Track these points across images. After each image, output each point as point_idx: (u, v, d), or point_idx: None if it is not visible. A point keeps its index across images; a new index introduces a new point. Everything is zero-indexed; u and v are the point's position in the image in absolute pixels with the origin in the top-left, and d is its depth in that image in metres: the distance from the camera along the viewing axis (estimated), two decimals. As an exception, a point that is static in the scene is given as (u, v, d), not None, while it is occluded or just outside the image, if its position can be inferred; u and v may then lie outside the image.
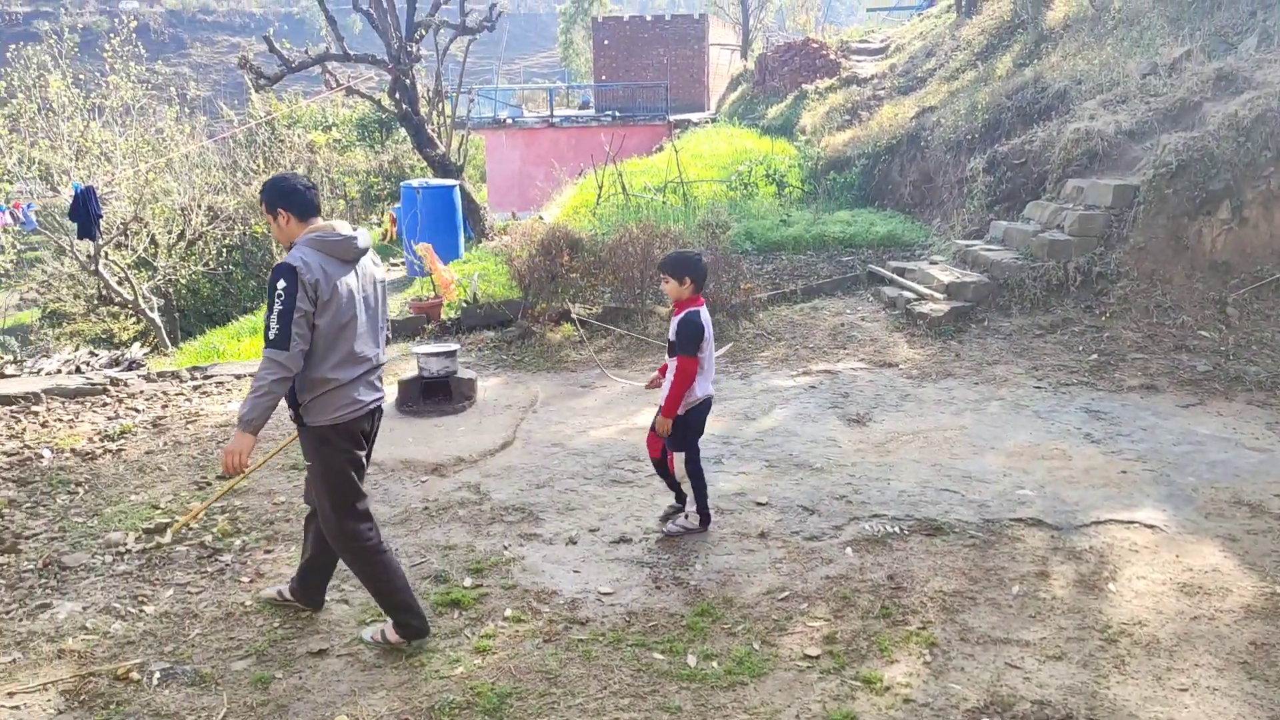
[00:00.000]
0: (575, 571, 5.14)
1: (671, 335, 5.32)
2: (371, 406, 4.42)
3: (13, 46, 20.45)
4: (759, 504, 5.94)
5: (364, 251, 4.39)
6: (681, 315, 5.28)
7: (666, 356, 5.43)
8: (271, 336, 4.03)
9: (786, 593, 4.85)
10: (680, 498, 5.69)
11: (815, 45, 24.74)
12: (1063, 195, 10.72)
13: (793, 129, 21.12)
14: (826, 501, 5.95)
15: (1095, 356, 8.60)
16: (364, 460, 4.47)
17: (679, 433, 5.38)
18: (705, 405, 5.44)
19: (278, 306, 4.03)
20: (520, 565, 5.20)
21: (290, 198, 4.27)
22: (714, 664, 4.23)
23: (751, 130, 22.48)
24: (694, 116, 28.73)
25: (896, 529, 5.52)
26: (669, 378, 5.33)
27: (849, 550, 5.29)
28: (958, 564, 5.10)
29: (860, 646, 4.34)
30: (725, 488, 6.19)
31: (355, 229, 4.42)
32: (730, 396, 8.11)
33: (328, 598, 4.82)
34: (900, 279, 10.89)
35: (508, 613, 4.69)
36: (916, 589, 4.84)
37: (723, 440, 7.07)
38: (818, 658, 4.26)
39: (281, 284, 4.03)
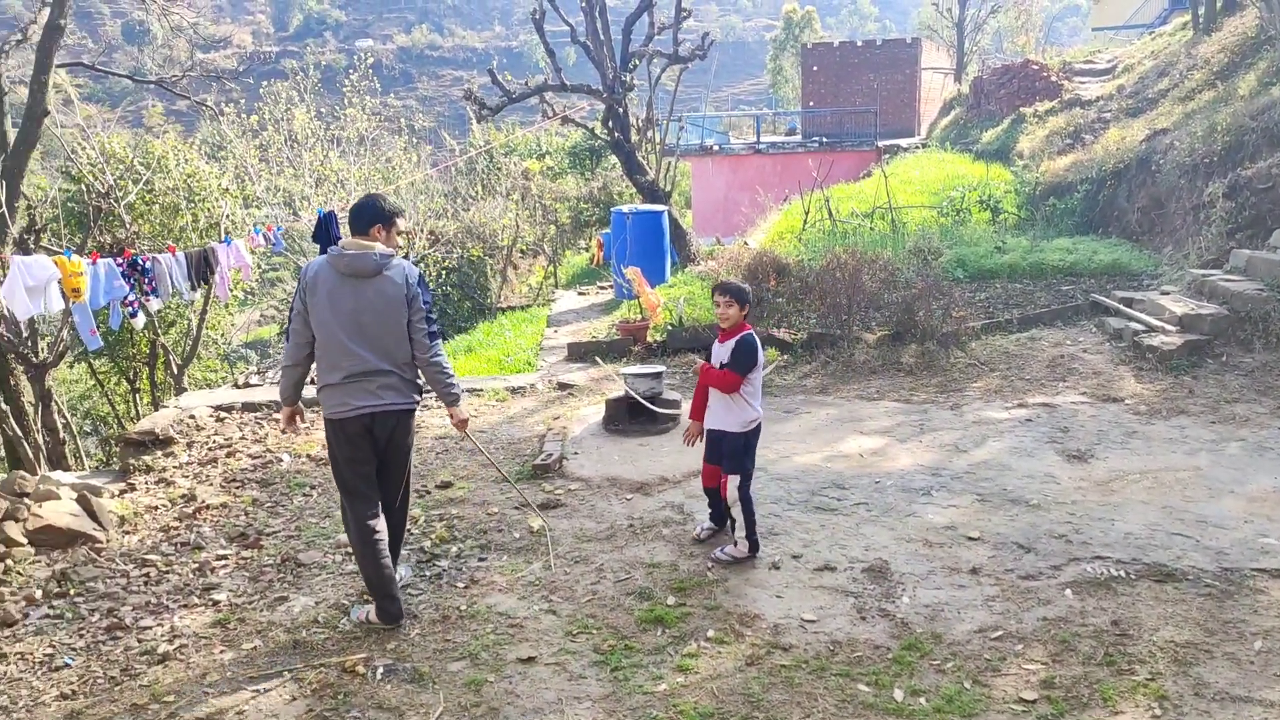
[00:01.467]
0: (778, 597, 5.10)
1: (725, 357, 5.49)
2: (366, 411, 4.71)
3: (264, 84, 22.33)
4: (970, 539, 5.73)
5: (364, 270, 4.64)
6: (739, 337, 5.50)
7: None
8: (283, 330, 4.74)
9: (1000, 632, 4.65)
10: (721, 523, 5.80)
11: (1035, 67, 23.75)
12: (1316, 222, 9.88)
13: (1008, 154, 20.36)
14: (1044, 540, 5.67)
15: (1352, 397, 7.85)
16: (370, 460, 4.81)
17: (738, 455, 5.48)
18: (760, 428, 5.61)
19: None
20: (723, 587, 5.21)
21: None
22: (922, 700, 4.10)
23: (964, 155, 21.79)
24: (903, 142, 28.14)
25: (1122, 572, 5.20)
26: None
27: (1068, 592, 5.02)
28: (1191, 613, 4.75)
29: (1081, 694, 4.11)
30: (934, 520, 6.00)
31: (370, 249, 4.65)
32: (940, 427, 7.87)
33: (536, 607, 4.98)
34: (1127, 309, 10.29)
35: (710, 633, 4.71)
36: (1144, 637, 4.54)
37: (932, 472, 6.87)
38: (1034, 702, 4.06)
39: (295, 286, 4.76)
